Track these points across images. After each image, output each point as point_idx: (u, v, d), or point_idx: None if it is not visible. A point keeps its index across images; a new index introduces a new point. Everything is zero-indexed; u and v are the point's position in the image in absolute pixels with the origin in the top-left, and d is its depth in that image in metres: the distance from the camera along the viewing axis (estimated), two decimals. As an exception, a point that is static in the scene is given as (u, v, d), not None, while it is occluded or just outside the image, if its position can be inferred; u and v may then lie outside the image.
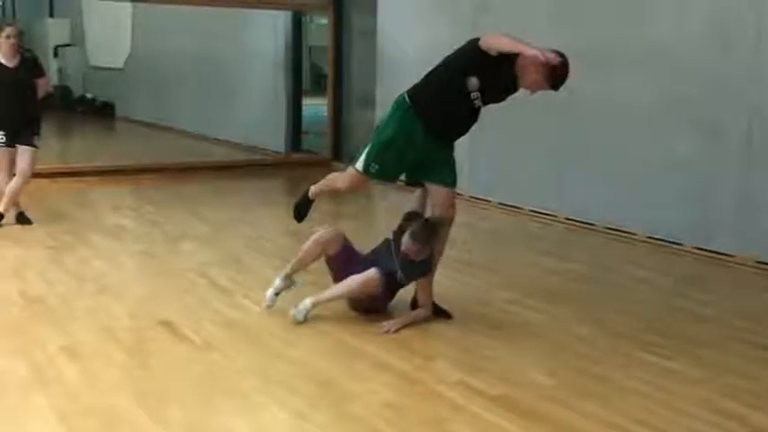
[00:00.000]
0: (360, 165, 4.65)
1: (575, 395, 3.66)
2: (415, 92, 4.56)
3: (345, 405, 3.52)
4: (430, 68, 4.60)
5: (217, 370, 3.90)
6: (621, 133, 7.04)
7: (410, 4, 9.56)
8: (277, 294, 4.74)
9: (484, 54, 4.32)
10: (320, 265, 4.82)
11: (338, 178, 4.92)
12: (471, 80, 4.38)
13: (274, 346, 4.24)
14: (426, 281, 4.67)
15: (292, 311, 4.54)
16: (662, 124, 6.73)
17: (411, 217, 4.75)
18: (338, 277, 4.71)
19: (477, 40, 4.37)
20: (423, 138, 4.49)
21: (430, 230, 4.58)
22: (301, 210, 5.01)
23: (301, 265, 4.78)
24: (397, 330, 4.44)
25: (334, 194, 5.13)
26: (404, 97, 4.57)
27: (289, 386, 3.71)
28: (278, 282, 4.77)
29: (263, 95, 12.41)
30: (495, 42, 4.30)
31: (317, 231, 4.82)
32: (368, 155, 4.62)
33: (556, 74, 4.30)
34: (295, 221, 5.04)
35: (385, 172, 4.64)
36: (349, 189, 4.87)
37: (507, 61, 4.34)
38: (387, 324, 4.47)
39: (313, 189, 4.96)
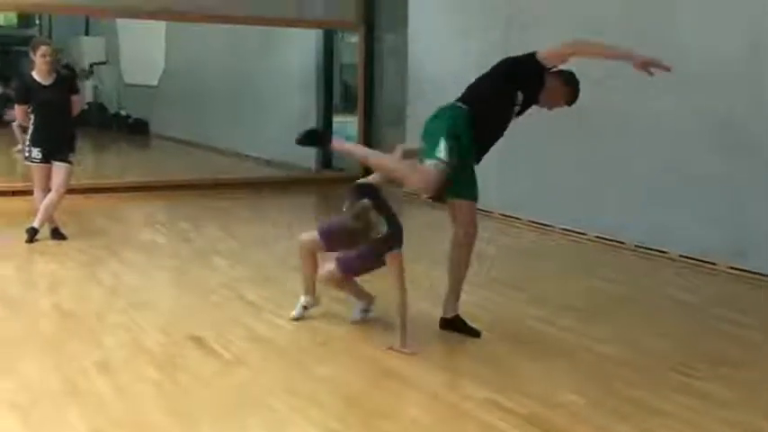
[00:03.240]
0: (443, 154, 4.21)
1: (605, 416, 3.62)
2: (470, 100, 4.46)
3: (374, 422, 3.52)
4: (470, 83, 4.57)
5: (246, 385, 3.92)
6: (652, 150, 6.99)
7: (441, 22, 9.60)
8: (305, 308, 4.80)
9: (538, 69, 4.37)
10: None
11: (410, 173, 4.37)
12: (518, 94, 4.44)
13: (304, 362, 4.25)
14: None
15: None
16: (694, 140, 6.67)
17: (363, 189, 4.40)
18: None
19: (533, 54, 4.41)
20: (466, 146, 4.41)
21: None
22: (315, 138, 4.50)
23: (308, 282, 4.77)
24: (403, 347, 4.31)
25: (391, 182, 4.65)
26: (456, 104, 4.47)
27: (318, 402, 3.72)
28: (303, 299, 4.81)
29: (294, 113, 12.48)
30: (586, 48, 4.38)
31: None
32: (446, 144, 4.24)
33: (575, 95, 4.53)
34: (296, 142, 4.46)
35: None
36: (425, 189, 4.37)
37: (541, 80, 4.40)
38: (408, 347, 4.31)
39: (360, 152, 4.81)
